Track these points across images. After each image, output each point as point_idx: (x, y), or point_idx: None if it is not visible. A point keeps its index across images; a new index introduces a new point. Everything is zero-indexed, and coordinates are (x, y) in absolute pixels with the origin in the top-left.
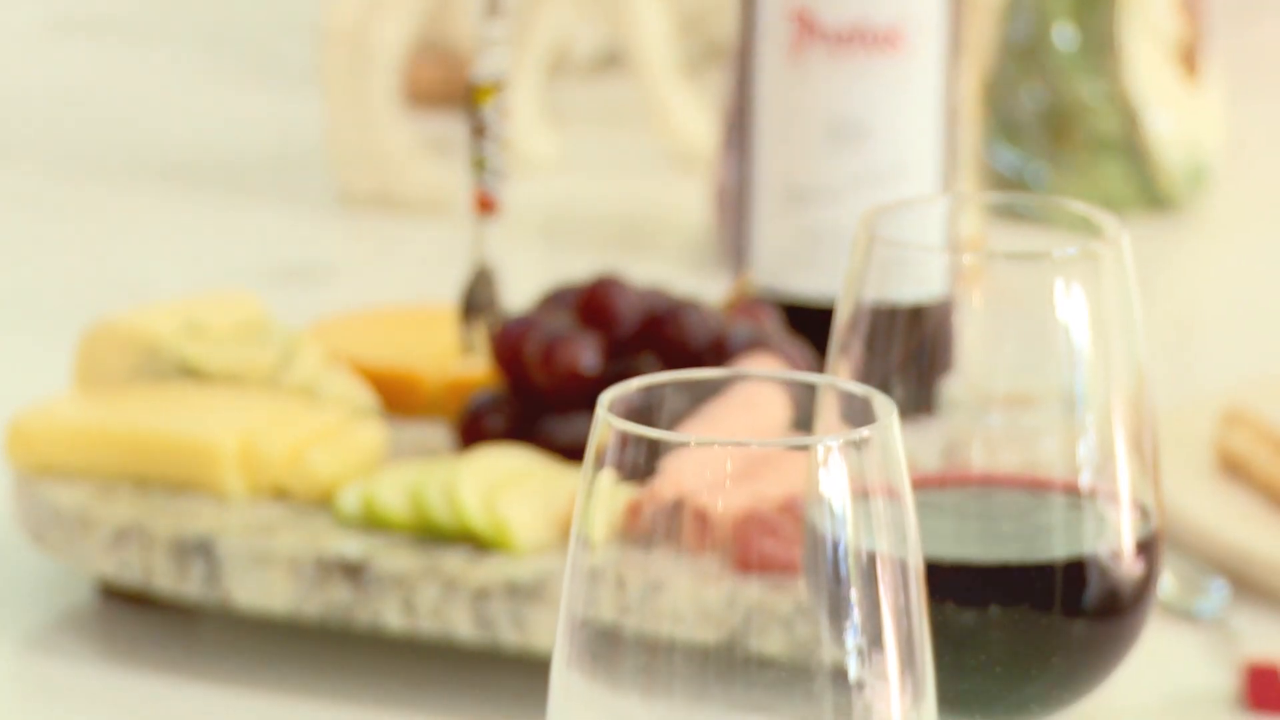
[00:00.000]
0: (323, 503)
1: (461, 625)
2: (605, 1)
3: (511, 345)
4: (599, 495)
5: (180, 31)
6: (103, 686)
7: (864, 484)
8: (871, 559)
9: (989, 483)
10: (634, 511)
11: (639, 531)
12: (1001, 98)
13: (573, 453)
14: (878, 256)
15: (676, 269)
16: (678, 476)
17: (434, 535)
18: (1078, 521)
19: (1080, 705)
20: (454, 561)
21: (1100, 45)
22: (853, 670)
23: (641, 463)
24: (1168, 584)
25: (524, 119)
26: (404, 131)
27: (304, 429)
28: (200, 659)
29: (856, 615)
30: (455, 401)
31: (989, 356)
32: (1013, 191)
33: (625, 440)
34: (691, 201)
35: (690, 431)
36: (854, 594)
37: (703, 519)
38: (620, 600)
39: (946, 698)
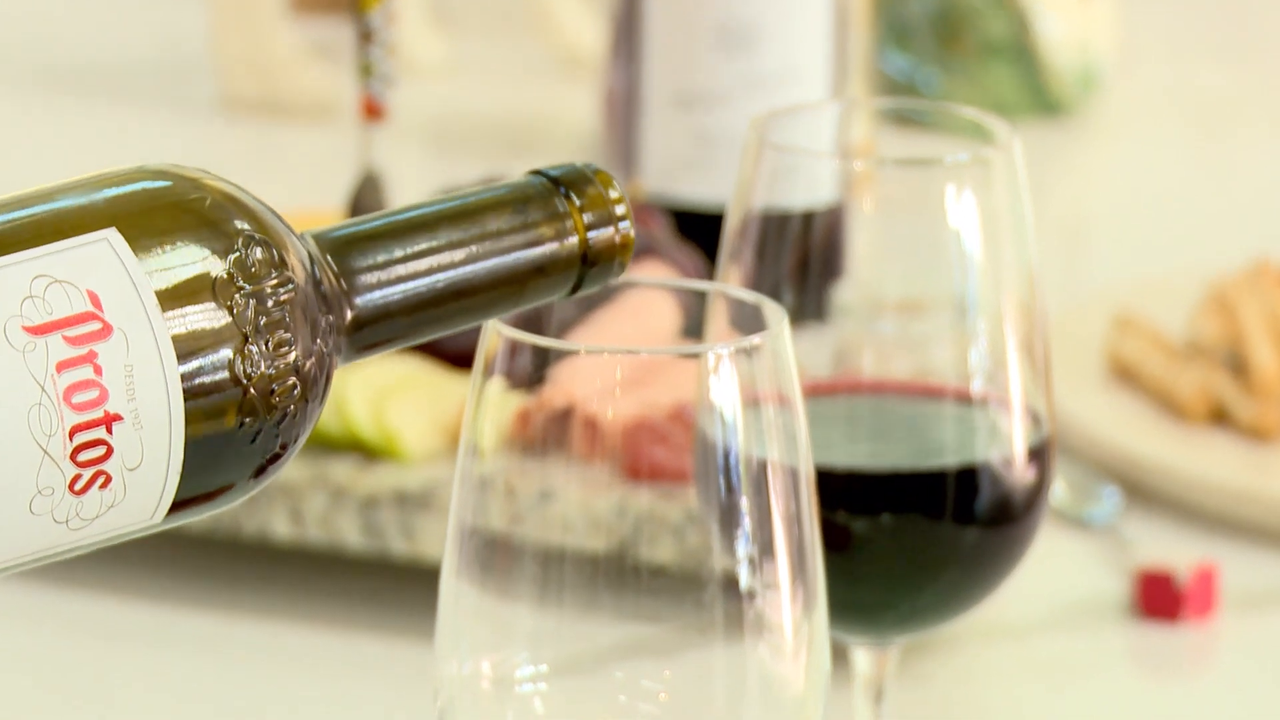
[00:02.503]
0: None
1: (350, 535)
2: None
3: None
4: (488, 403)
5: None
6: None
7: (755, 392)
8: (762, 467)
9: (880, 390)
10: (523, 420)
11: (529, 440)
12: (891, 2)
13: (461, 360)
14: (768, 162)
15: None
16: (567, 384)
17: (321, 444)
18: (969, 428)
19: (973, 613)
20: (342, 470)
21: None
22: (744, 579)
23: (531, 371)
24: (1059, 491)
25: (411, 24)
26: (290, 36)
27: None
28: (82, 570)
29: (747, 524)
30: None
31: (880, 263)
32: (903, 97)
33: (514, 348)
34: (580, 106)
35: (580, 339)
36: (745, 502)
37: (592, 427)
38: (510, 509)
39: (838, 607)
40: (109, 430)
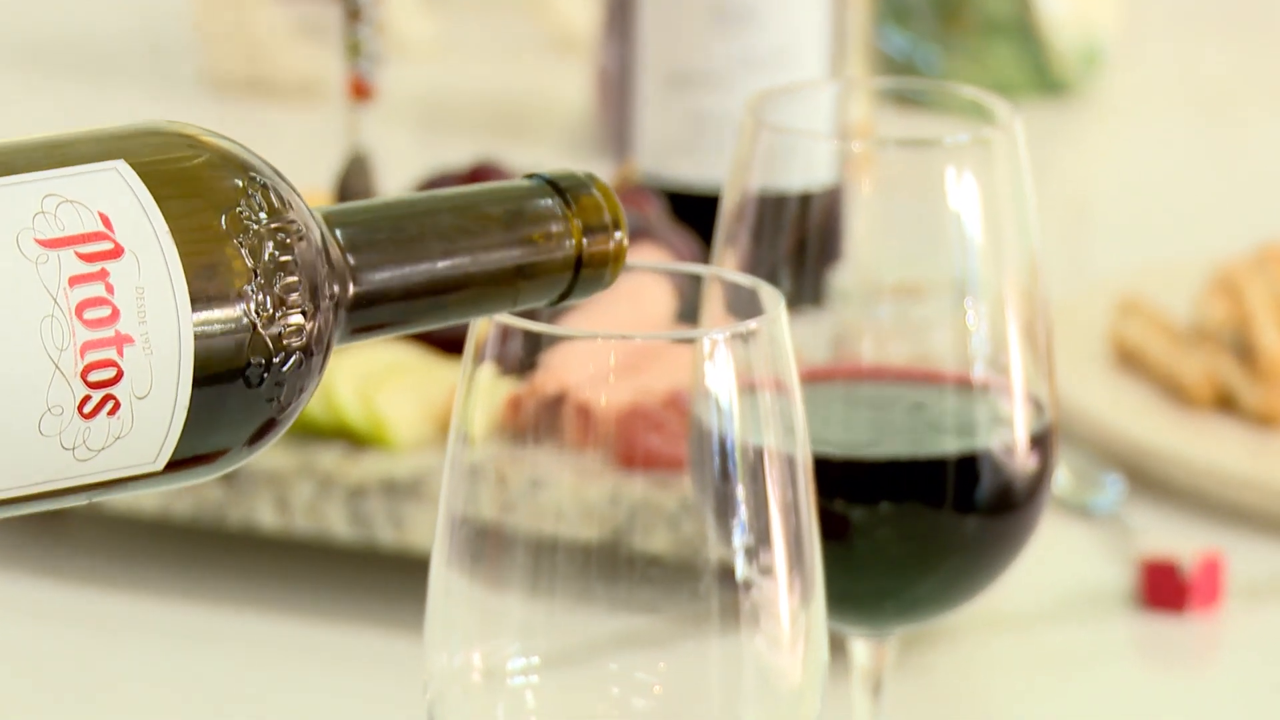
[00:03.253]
0: None
1: (337, 524)
2: None
3: None
4: (479, 390)
5: None
6: None
7: (751, 378)
8: (759, 455)
9: (879, 376)
10: (515, 406)
11: (520, 427)
12: None
13: (452, 346)
14: (764, 143)
15: (557, 156)
16: (560, 371)
17: (308, 431)
18: (970, 415)
19: (973, 604)
20: (329, 458)
21: None
22: (740, 569)
23: (522, 356)
24: (1062, 479)
25: (400, 1)
26: (276, 14)
27: None
28: (68, 560)
29: (743, 512)
30: None
31: (879, 246)
32: (903, 76)
33: (506, 333)
34: (572, 86)
35: (572, 324)
36: (741, 491)
37: (585, 414)
38: (501, 498)
39: (836, 597)
40: (120, 352)
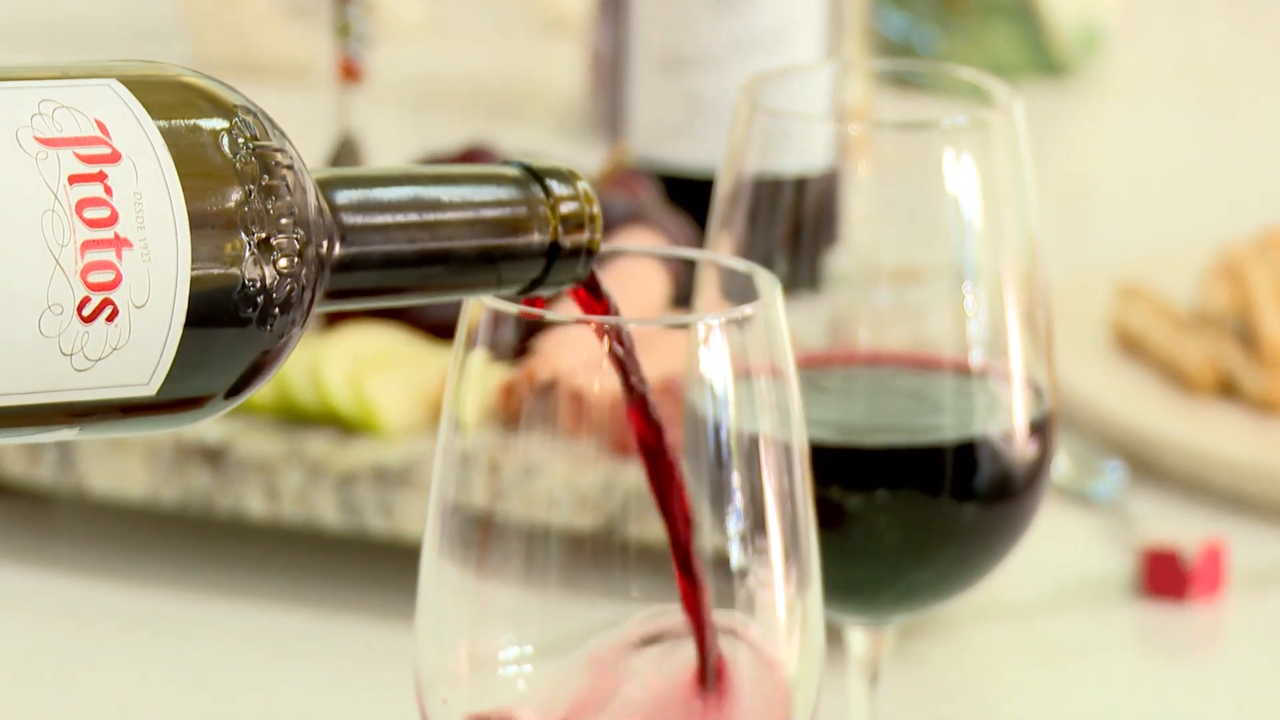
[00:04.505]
0: None
1: (327, 512)
2: None
3: None
4: (471, 376)
5: None
6: None
7: (746, 363)
8: (754, 441)
9: (876, 361)
10: (507, 393)
11: (512, 414)
12: None
13: (443, 331)
14: (760, 126)
15: (550, 139)
16: (553, 356)
17: (297, 418)
18: (968, 401)
19: (972, 593)
20: (318, 445)
21: None
22: (735, 557)
23: (515, 342)
24: (1062, 466)
25: None
26: None
27: None
28: (54, 548)
29: (739, 500)
30: None
31: (876, 230)
32: (900, 58)
33: (498, 318)
34: (565, 68)
35: (565, 309)
36: (736, 478)
37: (579, 401)
38: (493, 485)
39: (833, 586)
40: (119, 255)
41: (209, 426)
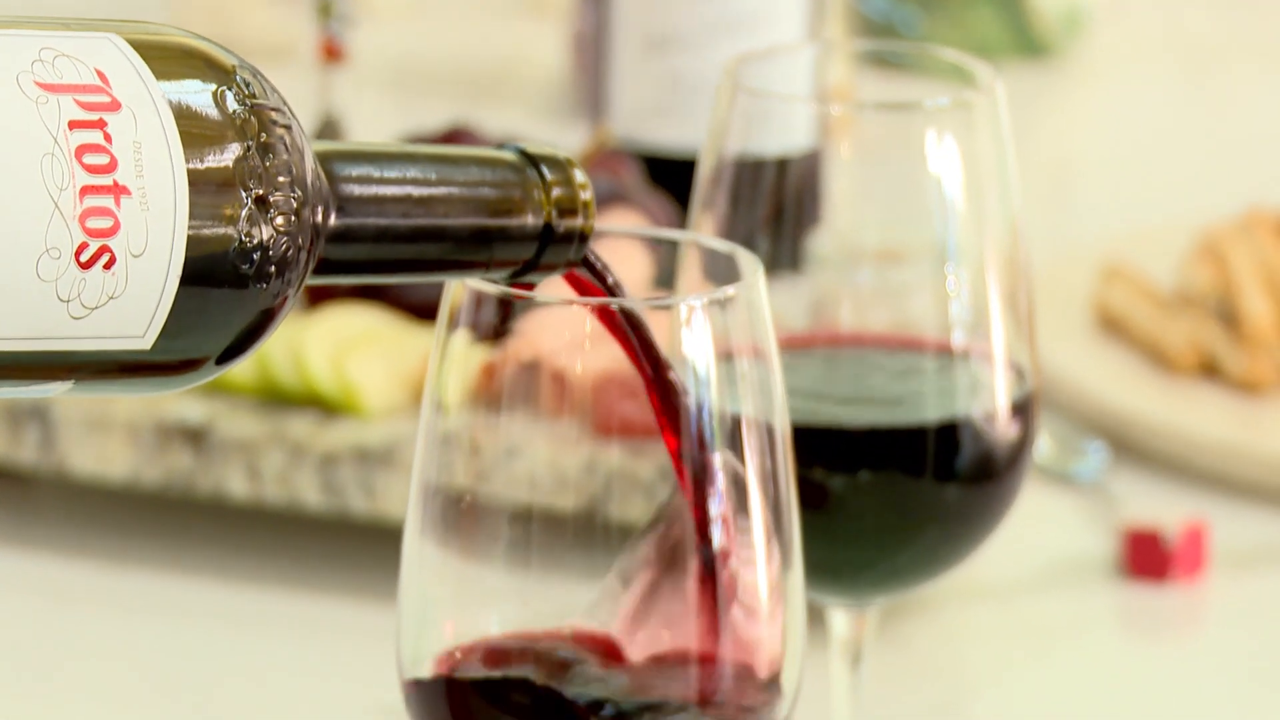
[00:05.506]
0: None
1: (308, 493)
2: None
3: None
4: (453, 357)
5: None
6: None
7: (729, 344)
8: (736, 422)
9: (858, 342)
10: (489, 374)
11: (494, 395)
12: None
13: (425, 312)
14: (742, 107)
15: (532, 119)
16: (535, 337)
17: (279, 398)
18: (950, 382)
19: (954, 574)
20: (300, 426)
21: None
22: (717, 539)
23: (497, 323)
24: (1044, 447)
25: None
26: None
27: None
28: (35, 529)
29: (721, 481)
30: None
31: (858, 211)
32: (882, 38)
33: (480, 299)
34: (547, 48)
35: (548, 290)
36: (718, 459)
37: (560, 381)
38: (475, 466)
39: (815, 567)
40: (117, 203)
41: (190, 407)
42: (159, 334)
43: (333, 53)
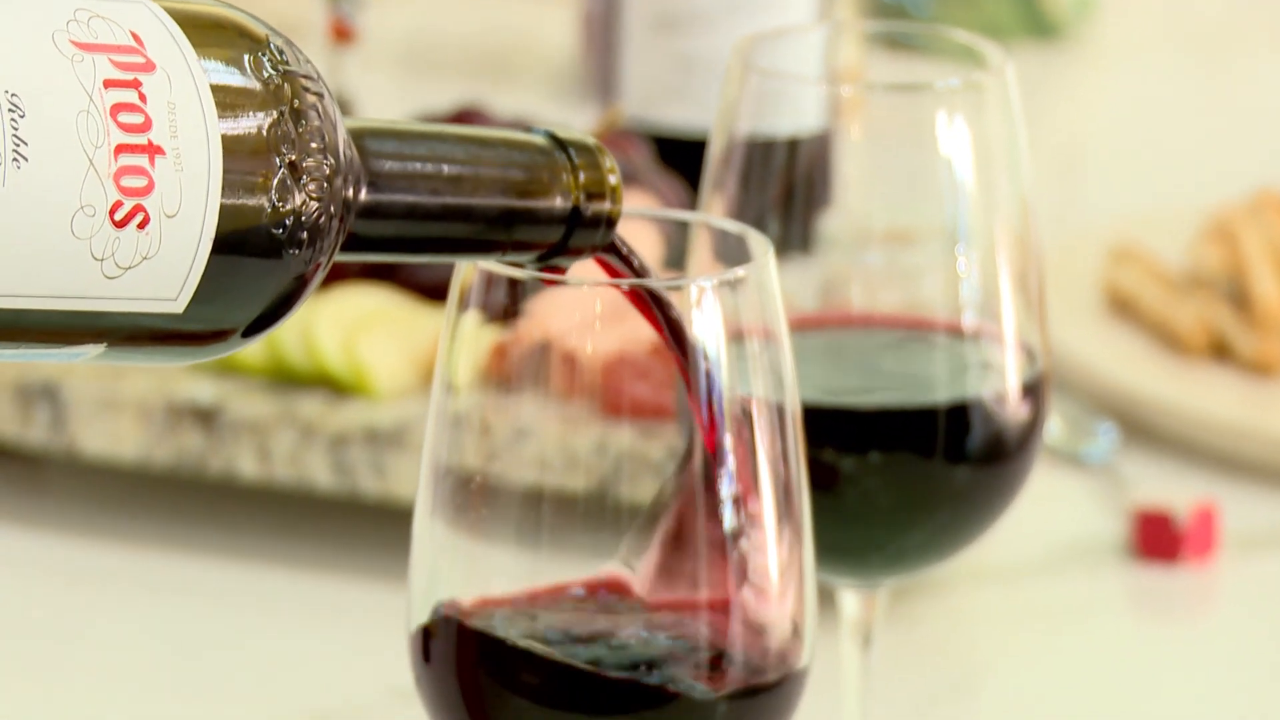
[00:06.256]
0: None
1: (319, 473)
2: None
3: None
4: (463, 337)
5: None
6: None
7: (739, 325)
8: (747, 404)
9: (869, 323)
10: (499, 354)
11: (505, 375)
12: None
13: (435, 292)
14: (752, 87)
15: (542, 100)
16: (545, 318)
17: (290, 379)
18: (961, 363)
19: (964, 555)
20: (311, 406)
21: None
22: (728, 519)
23: (507, 304)
24: (1055, 428)
25: None
26: None
27: None
28: (46, 509)
29: (732, 462)
30: None
31: (869, 192)
32: (893, 19)
33: (490, 280)
34: (558, 29)
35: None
36: (729, 440)
37: (571, 362)
38: (485, 447)
39: (825, 548)
40: (152, 162)
41: (201, 388)
42: (191, 298)
43: (343, 33)
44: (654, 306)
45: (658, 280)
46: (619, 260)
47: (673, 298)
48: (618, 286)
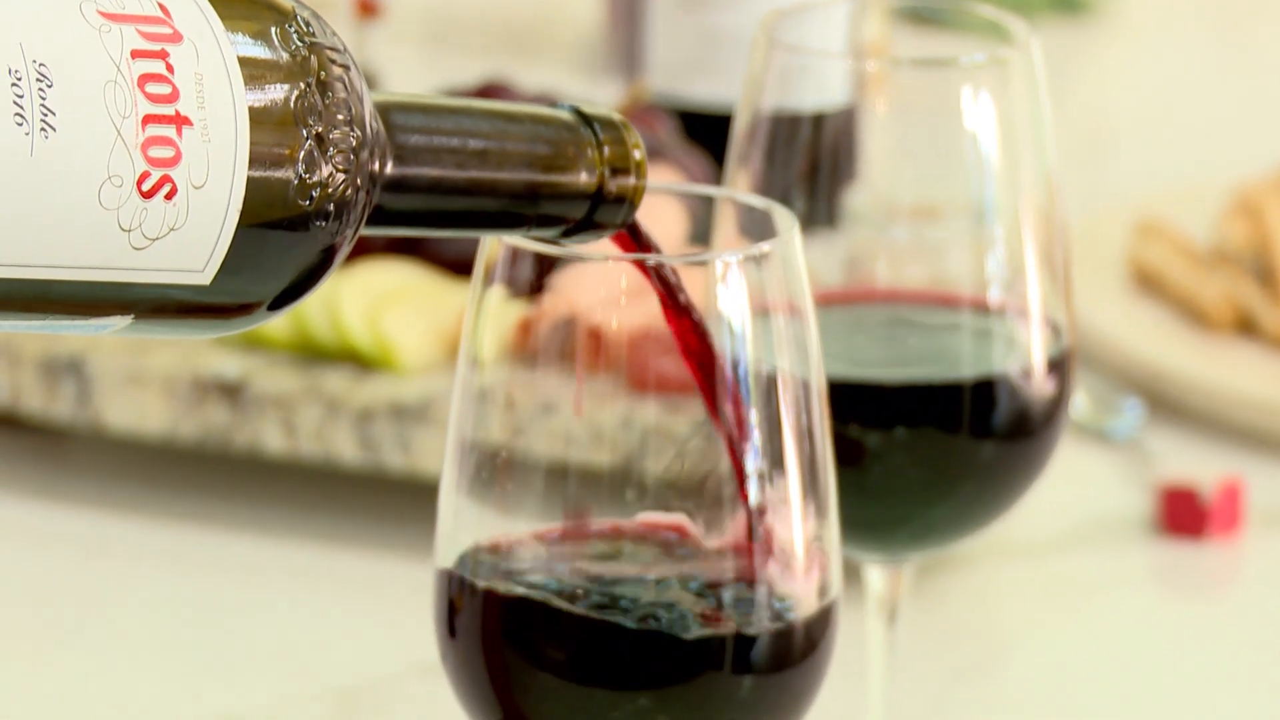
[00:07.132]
0: None
1: (344, 448)
2: None
3: None
4: (488, 312)
5: None
6: None
7: (764, 301)
8: (772, 379)
9: (894, 299)
10: (525, 329)
11: (530, 350)
12: None
13: (461, 267)
14: (778, 62)
15: (567, 75)
16: (570, 293)
17: (315, 354)
18: (986, 339)
19: (989, 530)
20: (336, 381)
21: None
22: (753, 495)
23: (533, 278)
24: (1080, 403)
25: None
26: None
27: None
28: (71, 483)
29: (757, 437)
30: None
31: (894, 167)
32: None
33: (515, 255)
34: (583, 3)
35: (583, 246)
36: (754, 415)
37: (596, 337)
38: (511, 422)
39: (850, 523)
40: (179, 133)
41: (227, 362)
42: (218, 269)
43: (368, 8)
44: (662, 286)
45: (685, 256)
46: (637, 239)
47: (682, 273)
48: (641, 262)
